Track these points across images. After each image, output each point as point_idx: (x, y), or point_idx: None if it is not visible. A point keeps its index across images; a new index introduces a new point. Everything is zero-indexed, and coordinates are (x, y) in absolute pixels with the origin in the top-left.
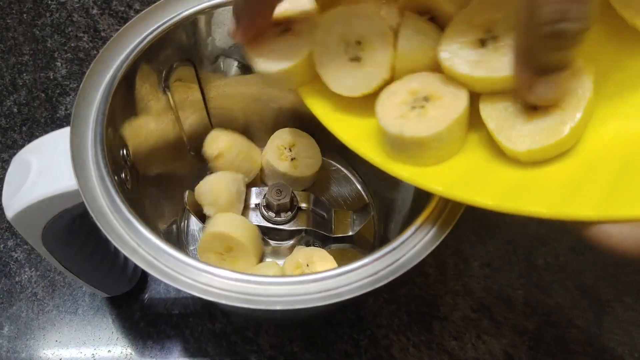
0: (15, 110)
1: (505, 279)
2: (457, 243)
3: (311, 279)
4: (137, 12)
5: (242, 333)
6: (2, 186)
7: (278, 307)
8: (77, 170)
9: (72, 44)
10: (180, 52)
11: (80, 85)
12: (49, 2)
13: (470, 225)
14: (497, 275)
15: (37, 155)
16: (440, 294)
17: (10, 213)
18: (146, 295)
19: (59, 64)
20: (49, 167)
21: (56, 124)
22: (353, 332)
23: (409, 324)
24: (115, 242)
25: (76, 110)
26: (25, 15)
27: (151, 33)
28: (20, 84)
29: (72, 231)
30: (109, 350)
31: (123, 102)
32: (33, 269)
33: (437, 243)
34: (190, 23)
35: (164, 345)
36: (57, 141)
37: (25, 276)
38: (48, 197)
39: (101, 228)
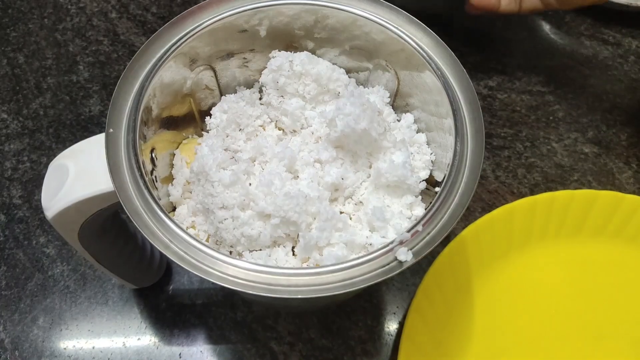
0: (41, 112)
1: None
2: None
3: (328, 270)
4: (154, 15)
5: (262, 321)
6: (33, 187)
7: (299, 296)
8: (113, 173)
9: (93, 48)
10: (202, 59)
11: (113, 94)
12: (69, 7)
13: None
14: None
15: (74, 160)
16: None
17: (50, 214)
18: (171, 287)
19: (81, 67)
20: (85, 170)
21: (81, 125)
22: (367, 319)
23: None
24: (150, 239)
25: (110, 118)
26: (46, 20)
27: (175, 44)
28: (45, 87)
29: (105, 229)
30: (139, 339)
31: (151, 108)
32: (65, 263)
33: (451, 227)
34: (209, 31)
35: (189, 333)
36: (91, 147)
37: (58, 270)
38: (86, 199)
39: (137, 227)
